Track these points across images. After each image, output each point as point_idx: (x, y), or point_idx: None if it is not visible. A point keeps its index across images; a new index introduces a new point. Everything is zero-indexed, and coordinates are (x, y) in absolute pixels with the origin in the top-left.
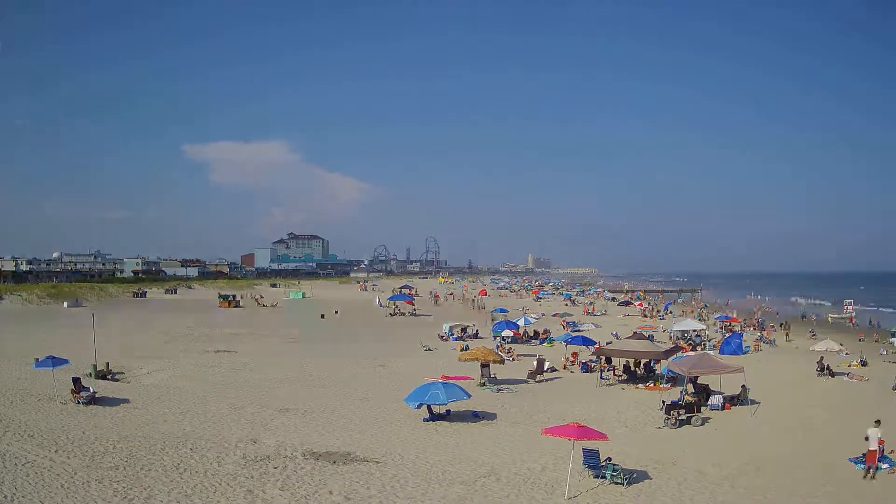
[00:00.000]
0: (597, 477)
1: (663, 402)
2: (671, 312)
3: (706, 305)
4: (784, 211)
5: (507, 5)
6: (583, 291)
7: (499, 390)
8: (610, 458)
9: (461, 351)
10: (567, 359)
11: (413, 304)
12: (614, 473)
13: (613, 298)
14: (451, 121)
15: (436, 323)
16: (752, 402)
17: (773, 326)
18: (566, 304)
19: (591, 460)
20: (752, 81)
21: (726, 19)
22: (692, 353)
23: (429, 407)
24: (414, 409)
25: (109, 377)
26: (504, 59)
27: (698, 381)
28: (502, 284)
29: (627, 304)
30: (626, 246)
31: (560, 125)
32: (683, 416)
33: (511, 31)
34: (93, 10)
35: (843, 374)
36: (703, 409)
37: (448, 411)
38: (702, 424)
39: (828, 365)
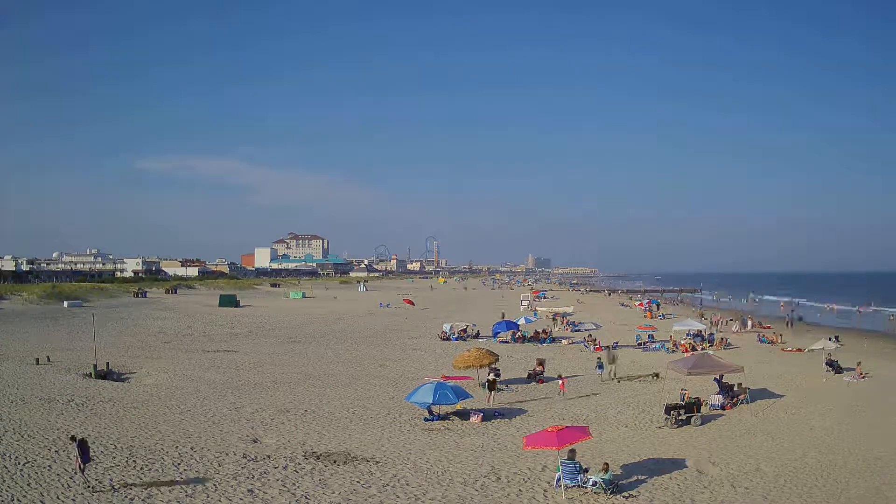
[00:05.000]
0: (579, 486)
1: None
2: (671, 313)
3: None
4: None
5: (508, 20)
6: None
7: (499, 390)
8: (587, 469)
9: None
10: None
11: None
12: (596, 483)
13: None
14: (452, 122)
15: (437, 323)
16: (771, 393)
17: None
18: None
19: (570, 473)
20: (750, 89)
21: (725, 31)
22: (692, 353)
23: (429, 407)
24: (420, 408)
25: (110, 377)
26: (507, 65)
27: (723, 380)
28: (497, 286)
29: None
30: (626, 246)
31: (561, 126)
32: (683, 417)
33: (515, 38)
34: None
35: (850, 369)
36: (702, 408)
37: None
38: (702, 424)
39: (836, 362)
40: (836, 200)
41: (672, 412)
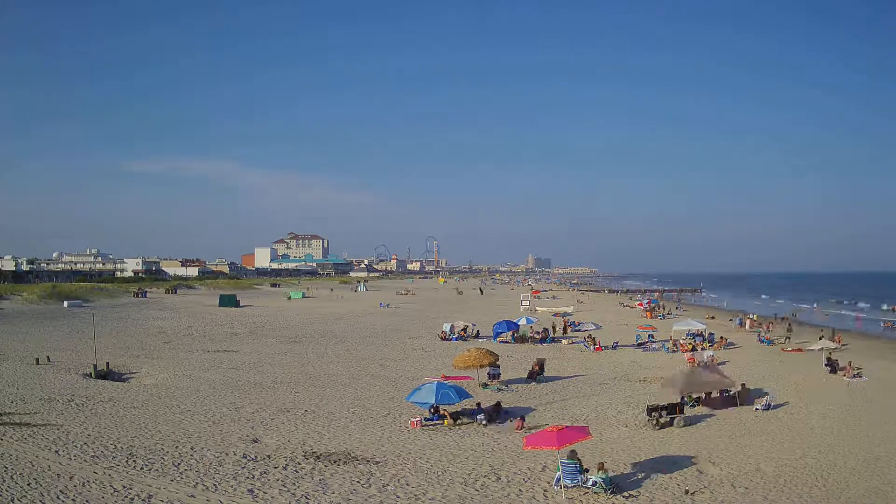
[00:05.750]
0: (580, 486)
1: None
2: (670, 313)
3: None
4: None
5: (507, 18)
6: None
7: (499, 390)
8: (587, 469)
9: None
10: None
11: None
12: (596, 483)
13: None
14: (452, 122)
15: (437, 323)
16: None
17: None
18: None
19: (570, 473)
20: (755, 81)
21: (728, 22)
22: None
23: (431, 407)
24: (420, 409)
25: (110, 377)
26: (506, 64)
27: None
28: (493, 286)
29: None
30: (626, 246)
31: (560, 126)
32: (666, 419)
33: (511, 40)
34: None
35: (845, 367)
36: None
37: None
38: (686, 426)
39: (837, 361)
40: (839, 198)
41: (653, 413)
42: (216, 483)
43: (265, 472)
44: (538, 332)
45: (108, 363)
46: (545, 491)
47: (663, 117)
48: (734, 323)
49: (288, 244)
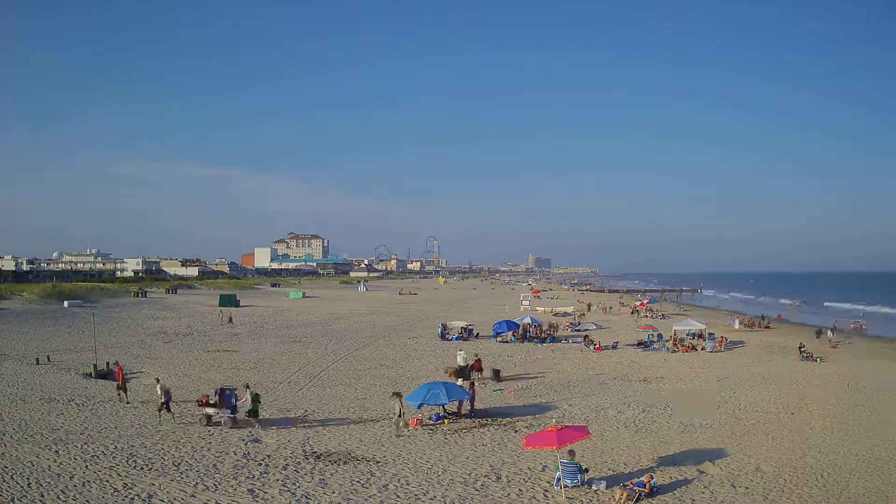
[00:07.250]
0: (581, 485)
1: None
2: (671, 313)
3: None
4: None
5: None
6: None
7: (500, 389)
8: (588, 469)
9: None
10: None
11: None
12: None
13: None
14: (453, 121)
15: (437, 323)
16: (770, 393)
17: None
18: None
19: (570, 473)
20: (749, 86)
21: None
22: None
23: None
24: (414, 409)
25: (110, 377)
26: (508, 66)
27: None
28: (492, 287)
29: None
30: (626, 246)
31: (561, 126)
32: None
33: (516, 45)
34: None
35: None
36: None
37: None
38: (685, 426)
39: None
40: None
41: None
42: (216, 483)
43: (265, 472)
44: (545, 332)
45: (108, 363)
46: (545, 491)
47: (663, 118)
48: (729, 321)
49: (288, 244)
